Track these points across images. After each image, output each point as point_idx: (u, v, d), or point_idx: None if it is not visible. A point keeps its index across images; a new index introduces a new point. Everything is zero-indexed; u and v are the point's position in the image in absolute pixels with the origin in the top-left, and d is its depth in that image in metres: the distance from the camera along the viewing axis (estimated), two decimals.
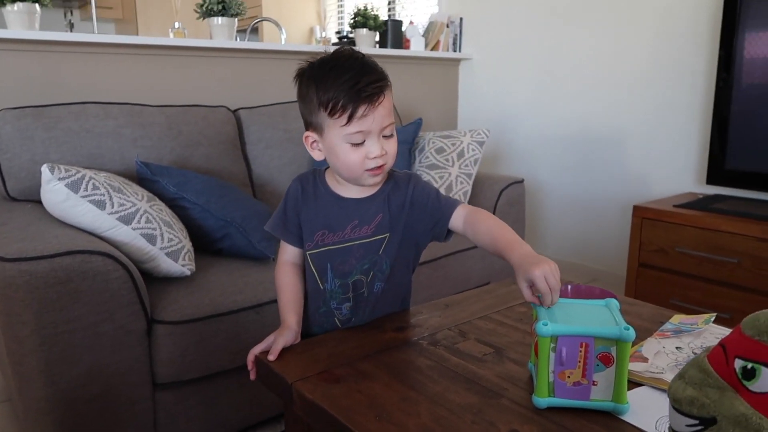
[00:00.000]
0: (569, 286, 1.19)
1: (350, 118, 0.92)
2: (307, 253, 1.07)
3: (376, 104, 0.93)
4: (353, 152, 0.95)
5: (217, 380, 1.47)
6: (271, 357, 0.94)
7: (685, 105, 2.36)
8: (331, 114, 0.93)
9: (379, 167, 0.97)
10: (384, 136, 0.97)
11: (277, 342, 0.97)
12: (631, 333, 0.74)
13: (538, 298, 0.83)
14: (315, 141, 1.00)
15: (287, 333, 0.99)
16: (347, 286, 1.06)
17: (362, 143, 0.95)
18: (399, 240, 1.04)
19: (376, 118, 0.94)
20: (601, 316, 0.81)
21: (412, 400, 0.83)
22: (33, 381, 1.23)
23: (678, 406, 0.51)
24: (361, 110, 0.92)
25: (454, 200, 1.06)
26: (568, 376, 0.78)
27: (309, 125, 1.00)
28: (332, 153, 0.98)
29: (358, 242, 1.03)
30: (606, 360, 0.77)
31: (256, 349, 0.98)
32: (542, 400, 0.79)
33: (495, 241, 0.95)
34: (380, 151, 0.95)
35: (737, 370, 0.48)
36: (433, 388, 0.86)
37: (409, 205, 1.04)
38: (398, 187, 1.05)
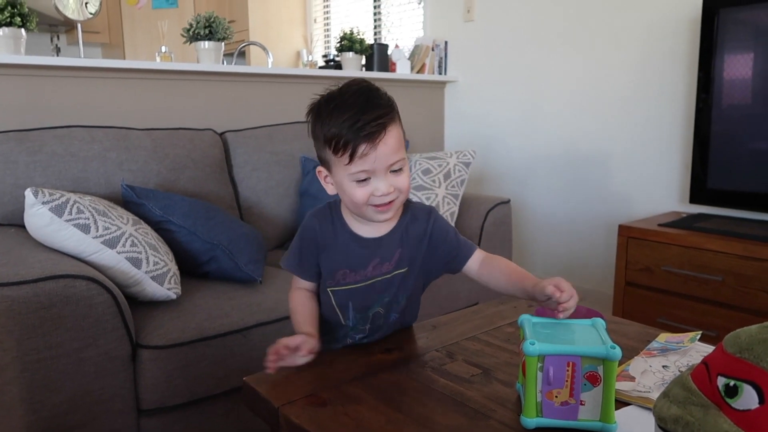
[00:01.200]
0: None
1: (352, 158, 0.91)
2: (328, 289, 1.05)
3: (377, 142, 0.90)
4: (359, 189, 0.93)
5: (204, 406, 1.45)
6: (291, 342, 0.91)
7: (667, 126, 2.40)
8: (335, 152, 0.92)
9: (387, 203, 0.95)
10: (393, 171, 0.94)
11: (296, 338, 0.93)
12: (618, 352, 0.75)
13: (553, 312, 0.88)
14: (327, 176, 0.99)
15: (309, 339, 0.95)
16: (366, 318, 1.07)
17: (368, 180, 0.93)
18: (416, 273, 1.06)
19: (379, 156, 0.91)
20: (587, 336, 0.81)
21: (400, 423, 0.82)
22: (14, 409, 1.21)
23: (663, 424, 0.52)
24: (361, 149, 0.90)
25: (472, 243, 1.08)
26: (556, 396, 0.78)
27: (320, 160, 1.00)
28: (340, 189, 0.97)
29: (379, 279, 1.04)
30: (593, 379, 0.77)
31: (282, 341, 0.92)
32: (530, 420, 0.79)
33: (511, 276, 1.00)
34: (387, 188, 0.93)
35: (720, 387, 0.49)
36: (420, 411, 0.85)
37: (427, 240, 1.04)
38: (416, 219, 1.04)
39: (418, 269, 1.06)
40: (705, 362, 0.52)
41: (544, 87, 2.82)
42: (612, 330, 1.15)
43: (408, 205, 1.05)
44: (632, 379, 0.92)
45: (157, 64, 2.30)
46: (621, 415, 0.83)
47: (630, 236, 2.14)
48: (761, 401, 0.45)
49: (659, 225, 2.13)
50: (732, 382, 0.48)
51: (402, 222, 1.03)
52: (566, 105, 2.74)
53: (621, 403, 0.87)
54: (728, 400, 0.48)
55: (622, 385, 0.90)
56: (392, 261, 1.03)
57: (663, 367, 0.95)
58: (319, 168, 1.00)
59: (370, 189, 0.93)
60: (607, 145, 2.62)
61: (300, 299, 1.07)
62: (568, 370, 0.77)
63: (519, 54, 2.91)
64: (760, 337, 0.48)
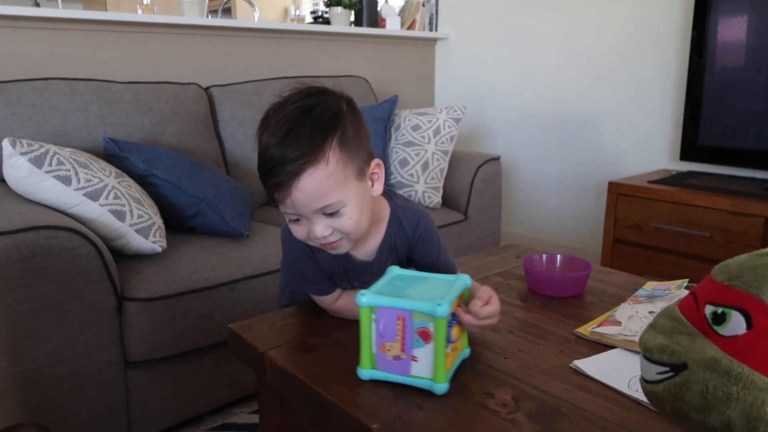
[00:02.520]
0: (545, 256, 1.19)
1: (272, 199, 0.80)
2: None
3: (291, 189, 0.76)
4: (298, 231, 0.83)
5: (191, 358, 1.45)
6: None
7: (658, 84, 2.37)
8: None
9: (332, 243, 0.82)
10: (327, 214, 0.79)
11: None
12: (442, 309, 0.70)
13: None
14: None
15: None
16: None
17: (300, 220, 0.81)
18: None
19: (297, 204, 0.77)
20: (432, 291, 0.76)
21: None
22: None
23: (649, 355, 0.51)
24: (276, 194, 0.78)
25: (454, 264, 0.99)
26: (389, 350, 0.75)
27: None
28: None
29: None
30: (425, 336, 0.73)
31: None
32: (364, 371, 0.77)
33: None
34: (322, 231, 0.80)
35: (708, 315, 0.48)
36: None
37: (411, 249, 0.96)
38: (402, 229, 0.93)
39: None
40: (693, 293, 0.51)
41: (535, 45, 2.78)
42: (599, 279, 1.16)
43: (396, 211, 0.93)
44: (618, 323, 0.92)
45: (139, 16, 2.22)
46: (607, 358, 0.84)
47: (619, 193, 2.13)
48: (749, 327, 0.45)
49: (649, 182, 2.13)
50: (720, 310, 0.47)
51: (390, 232, 0.93)
52: (558, 63, 2.70)
53: (607, 347, 0.87)
54: (715, 328, 0.47)
55: (608, 329, 0.90)
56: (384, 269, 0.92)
57: (649, 312, 0.95)
58: None
59: (305, 229, 0.82)
60: (598, 104, 2.59)
61: (343, 299, 0.96)
62: (398, 324, 0.74)
63: (511, 11, 2.85)
64: (749, 264, 0.47)
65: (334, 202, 0.78)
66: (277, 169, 0.76)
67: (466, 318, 0.77)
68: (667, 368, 0.49)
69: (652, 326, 0.52)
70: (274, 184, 0.77)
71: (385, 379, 0.77)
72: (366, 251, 0.93)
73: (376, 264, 0.93)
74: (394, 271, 0.84)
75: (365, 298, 0.74)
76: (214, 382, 1.51)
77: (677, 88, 2.31)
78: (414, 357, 0.74)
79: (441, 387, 0.74)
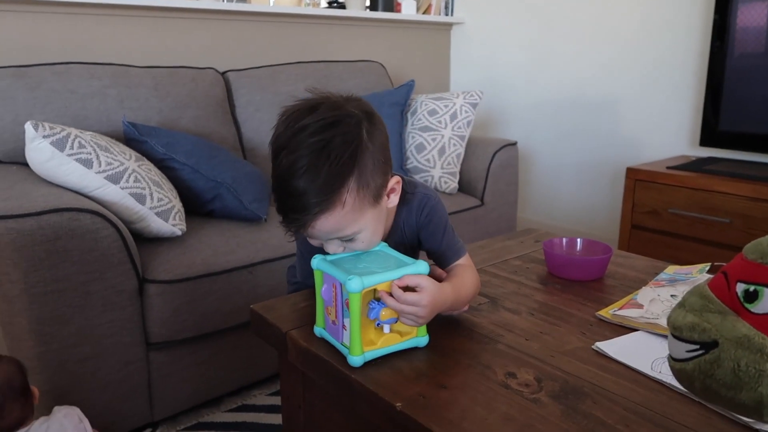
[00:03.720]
0: (565, 240, 1.19)
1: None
2: None
3: (305, 228, 0.79)
4: (311, 240, 0.85)
5: (211, 340, 1.47)
6: None
7: (678, 68, 2.34)
8: None
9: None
10: (344, 239, 0.82)
11: None
12: (352, 284, 0.72)
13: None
14: None
15: None
16: None
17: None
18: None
19: (314, 235, 0.81)
20: (373, 267, 0.78)
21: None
22: (23, 341, 1.22)
23: (678, 333, 0.51)
24: (290, 227, 0.80)
25: (460, 247, 0.95)
26: (329, 313, 0.80)
27: None
28: None
29: None
30: (349, 307, 0.76)
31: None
32: (317, 329, 0.83)
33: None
34: (335, 250, 0.83)
35: (739, 293, 0.48)
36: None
37: (419, 230, 0.95)
38: (411, 213, 0.94)
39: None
40: (723, 271, 0.51)
41: (552, 28, 2.74)
42: (619, 263, 1.15)
43: (404, 197, 0.92)
44: (640, 306, 0.91)
45: (157, 0, 2.22)
46: (629, 340, 0.84)
47: (638, 179, 2.11)
48: None
49: (668, 168, 2.10)
50: (752, 288, 0.47)
51: (399, 217, 0.94)
52: (575, 46, 2.67)
53: (629, 329, 0.87)
54: (747, 305, 0.47)
55: (630, 312, 0.90)
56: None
57: (671, 296, 0.95)
58: None
59: (319, 241, 0.84)
60: (615, 88, 2.56)
61: None
62: (333, 292, 0.78)
63: None
64: None
65: (349, 233, 0.81)
66: (295, 212, 0.77)
67: (389, 300, 0.77)
68: (697, 346, 0.48)
69: (681, 305, 0.52)
70: (290, 220, 0.78)
71: (328, 340, 0.82)
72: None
73: (389, 242, 0.93)
74: (375, 247, 0.86)
75: (315, 261, 0.81)
76: (233, 364, 1.53)
77: (697, 73, 2.27)
78: (344, 325, 0.78)
79: (353, 359, 0.76)
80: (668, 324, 0.53)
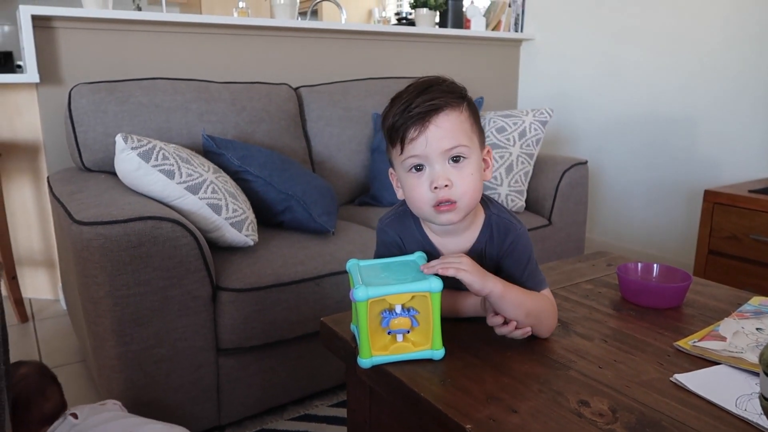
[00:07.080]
0: (641, 265, 1.15)
1: (402, 143, 0.84)
2: None
3: (427, 124, 0.82)
4: (417, 185, 0.85)
5: (278, 349, 1.50)
6: None
7: (762, 84, 2.22)
8: (391, 144, 0.87)
9: (447, 205, 0.84)
10: (453, 160, 0.84)
11: None
12: (357, 293, 0.77)
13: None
14: (394, 175, 0.93)
15: None
16: None
17: (423, 169, 0.85)
18: None
19: (430, 139, 0.82)
20: (394, 275, 0.83)
21: (476, 367, 0.82)
22: (106, 340, 1.29)
23: None
24: (410, 133, 0.83)
25: (542, 279, 0.94)
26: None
27: (389, 162, 0.93)
28: (404, 188, 0.89)
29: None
30: None
31: None
32: (353, 326, 0.88)
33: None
34: (443, 179, 0.83)
35: None
36: (498, 359, 0.84)
37: (501, 258, 0.94)
38: (493, 238, 0.93)
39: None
40: None
41: (624, 43, 2.67)
42: (698, 292, 1.11)
43: (490, 218, 0.93)
44: (723, 338, 0.87)
45: (234, 19, 2.33)
46: (711, 374, 0.80)
47: (717, 202, 2.02)
48: None
49: (750, 191, 2.00)
50: None
51: (481, 239, 0.93)
52: (649, 61, 2.59)
53: (710, 362, 0.83)
54: None
55: (711, 344, 0.86)
56: None
57: (757, 329, 0.90)
58: (390, 170, 0.94)
59: (427, 180, 0.84)
60: (692, 106, 2.46)
61: None
62: None
63: (598, 9, 2.76)
64: None
65: (460, 145, 0.84)
66: (421, 105, 0.82)
67: (431, 264, 0.83)
68: None
69: None
70: (414, 118, 0.83)
71: (355, 335, 0.87)
72: (457, 249, 0.93)
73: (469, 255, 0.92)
74: (358, 264, 0.89)
75: (349, 263, 0.88)
76: (297, 373, 1.56)
77: None
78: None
79: (361, 361, 0.81)
80: (761, 361, 0.50)
